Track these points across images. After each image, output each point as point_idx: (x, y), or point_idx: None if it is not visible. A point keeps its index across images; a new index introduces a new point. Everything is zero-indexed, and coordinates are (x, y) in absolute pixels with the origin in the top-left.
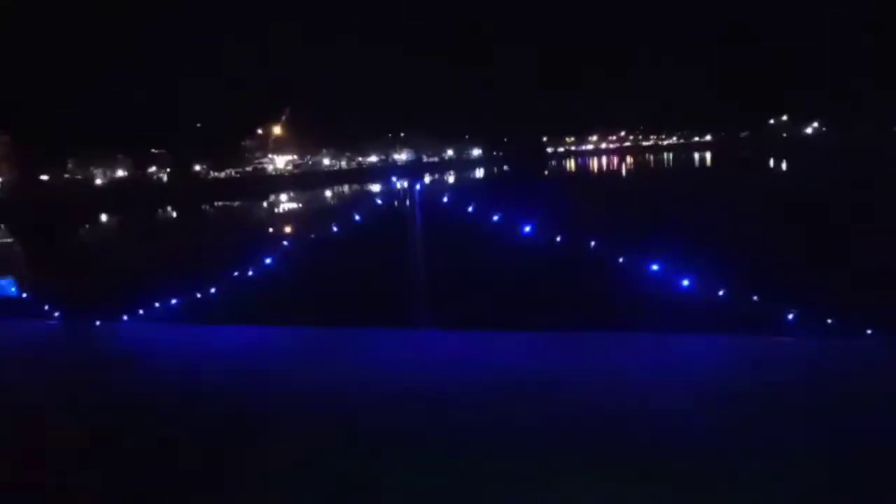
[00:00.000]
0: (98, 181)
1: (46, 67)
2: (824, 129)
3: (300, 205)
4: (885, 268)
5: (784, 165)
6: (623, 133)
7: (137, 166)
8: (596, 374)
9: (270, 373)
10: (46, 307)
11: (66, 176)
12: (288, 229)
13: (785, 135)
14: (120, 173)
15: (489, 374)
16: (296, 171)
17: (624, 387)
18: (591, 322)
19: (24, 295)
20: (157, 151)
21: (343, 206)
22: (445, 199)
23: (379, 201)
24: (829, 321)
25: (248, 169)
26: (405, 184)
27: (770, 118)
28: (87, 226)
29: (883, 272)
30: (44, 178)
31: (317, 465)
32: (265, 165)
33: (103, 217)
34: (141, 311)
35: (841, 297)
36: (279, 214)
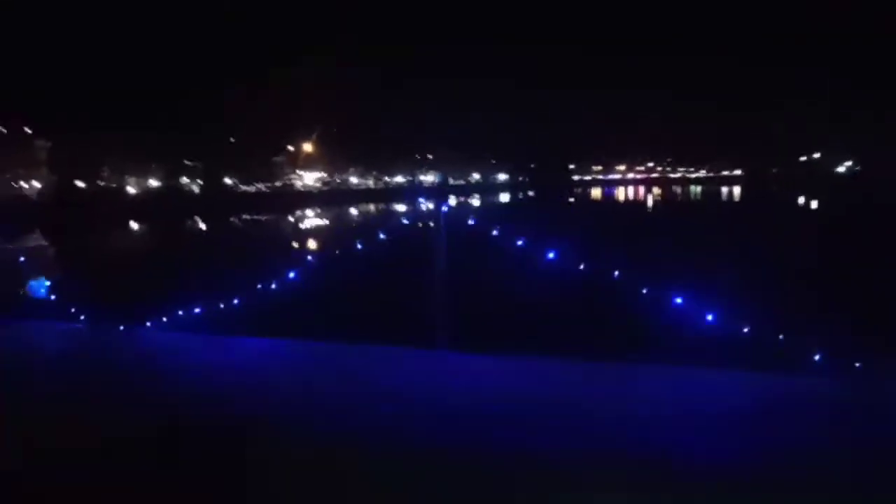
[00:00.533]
0: (131, 189)
1: (85, 75)
2: (858, 167)
3: (327, 221)
4: None
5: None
6: (651, 164)
7: (170, 177)
8: (621, 406)
9: (284, 386)
10: (73, 310)
11: (101, 183)
12: (313, 244)
13: (816, 171)
14: (153, 182)
15: (508, 399)
16: (324, 188)
17: (650, 420)
18: (620, 352)
19: (53, 297)
20: (189, 163)
21: (369, 224)
22: (471, 222)
23: (405, 221)
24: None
25: (277, 184)
26: (431, 205)
27: (802, 155)
28: (119, 232)
29: None
30: (79, 184)
31: (327, 481)
32: (294, 181)
33: (134, 224)
34: (164, 319)
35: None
36: (305, 229)
